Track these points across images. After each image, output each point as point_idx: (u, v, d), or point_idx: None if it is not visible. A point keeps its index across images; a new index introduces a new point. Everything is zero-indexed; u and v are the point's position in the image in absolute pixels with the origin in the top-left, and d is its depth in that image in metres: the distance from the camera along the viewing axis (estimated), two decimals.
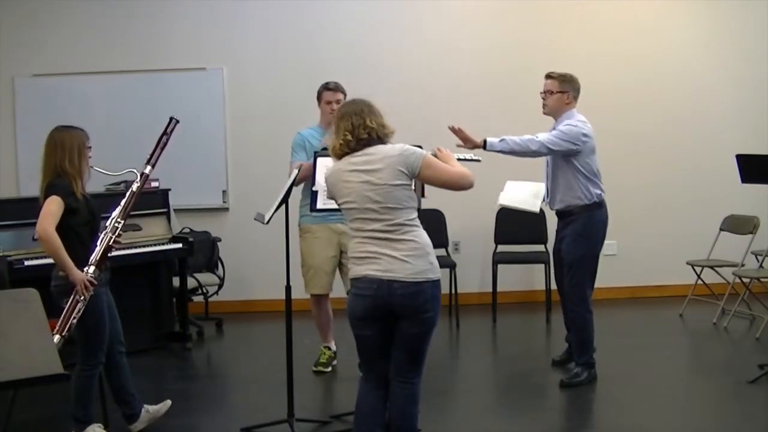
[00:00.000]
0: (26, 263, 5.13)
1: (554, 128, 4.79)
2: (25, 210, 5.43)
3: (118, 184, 5.76)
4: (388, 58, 7.05)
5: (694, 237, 6.83)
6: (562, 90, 4.79)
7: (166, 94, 6.97)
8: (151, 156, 4.05)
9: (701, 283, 6.62)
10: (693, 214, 7.12)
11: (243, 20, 7.10)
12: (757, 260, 6.31)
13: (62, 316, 3.72)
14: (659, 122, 7.16)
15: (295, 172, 4.23)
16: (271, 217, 4.13)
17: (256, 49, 7.11)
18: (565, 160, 4.73)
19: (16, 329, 3.08)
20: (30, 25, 7.05)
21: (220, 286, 6.62)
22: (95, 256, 3.82)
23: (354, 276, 3.29)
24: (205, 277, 6.46)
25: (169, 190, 6.10)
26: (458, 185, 3.33)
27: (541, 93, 4.86)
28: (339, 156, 3.30)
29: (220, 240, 6.68)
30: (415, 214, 3.29)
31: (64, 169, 3.83)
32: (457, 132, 4.69)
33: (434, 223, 6.76)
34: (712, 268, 6.51)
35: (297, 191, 4.60)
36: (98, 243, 3.86)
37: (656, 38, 7.19)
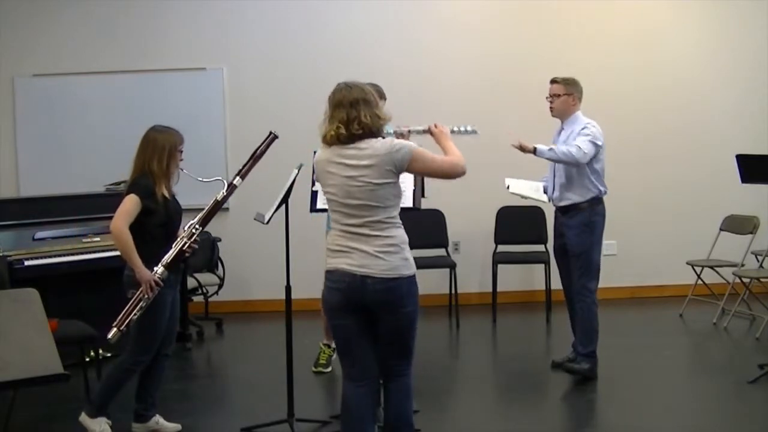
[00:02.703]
0: (26, 263, 5.13)
1: (563, 128, 4.96)
2: (25, 210, 5.45)
3: (118, 183, 5.77)
4: (388, 57, 7.04)
5: (694, 237, 6.84)
6: (568, 92, 4.94)
7: (166, 94, 6.98)
8: (243, 167, 4.06)
9: (701, 283, 6.62)
10: (693, 214, 7.12)
11: (243, 20, 7.10)
12: (757, 260, 6.31)
13: (124, 310, 3.78)
14: (659, 123, 7.17)
15: (295, 171, 4.22)
16: (271, 217, 4.13)
17: (256, 49, 7.11)
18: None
19: (16, 329, 3.08)
20: (30, 25, 7.05)
21: (220, 286, 6.62)
22: (167, 258, 3.86)
23: (328, 268, 3.25)
24: (205, 277, 6.46)
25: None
26: (448, 175, 3.28)
27: (547, 97, 4.99)
28: (329, 144, 3.24)
29: (220, 240, 6.68)
30: (396, 212, 3.23)
31: (151, 169, 3.90)
32: (515, 143, 4.79)
33: (434, 223, 6.78)
34: (712, 268, 6.51)
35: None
36: (173, 246, 3.90)
37: (655, 39, 7.19)
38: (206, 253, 6.51)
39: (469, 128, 3.98)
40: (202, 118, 6.95)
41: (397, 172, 3.18)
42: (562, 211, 5.00)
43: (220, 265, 6.70)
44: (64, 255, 5.31)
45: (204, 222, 3.98)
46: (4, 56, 7.04)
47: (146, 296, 3.79)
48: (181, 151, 4.02)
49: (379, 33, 7.12)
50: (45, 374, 3.05)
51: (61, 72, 6.98)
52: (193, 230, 3.93)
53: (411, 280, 3.20)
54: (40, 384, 3.12)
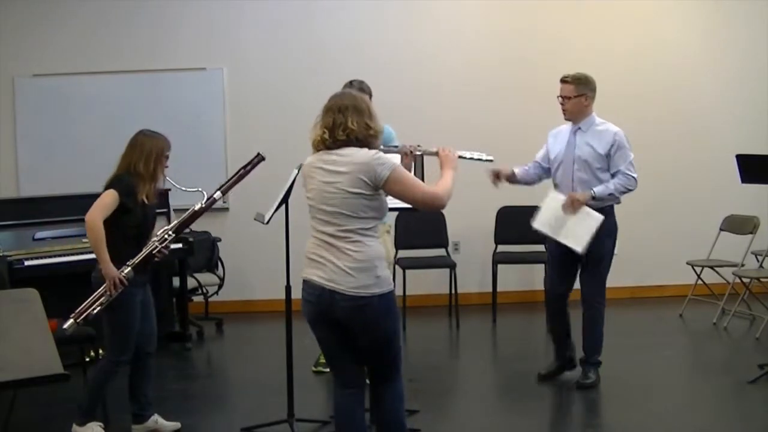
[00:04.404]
0: (26, 263, 5.13)
1: (579, 128, 4.74)
2: (25, 210, 5.45)
3: None
4: (388, 56, 7.05)
5: (694, 237, 6.83)
6: (579, 93, 4.71)
7: (166, 94, 6.98)
8: (225, 183, 4.06)
9: (701, 283, 6.62)
10: (693, 214, 7.12)
11: (243, 20, 7.10)
12: (757, 260, 6.31)
13: (84, 303, 3.76)
14: (659, 122, 7.16)
15: (295, 172, 4.22)
16: (271, 217, 4.13)
17: (256, 49, 7.11)
18: (607, 167, 4.71)
19: (16, 329, 3.07)
20: (30, 25, 7.05)
21: (220, 286, 6.62)
22: (136, 258, 3.85)
23: (303, 277, 3.19)
24: (205, 277, 6.47)
25: (169, 190, 6.09)
26: (427, 207, 3.20)
27: (558, 97, 4.77)
28: (316, 149, 3.20)
29: (220, 240, 6.68)
30: (371, 224, 3.10)
31: (138, 170, 3.90)
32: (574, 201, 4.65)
33: (434, 223, 6.78)
34: (712, 268, 6.51)
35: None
36: (144, 248, 3.89)
37: (654, 38, 7.19)
38: (206, 253, 6.51)
39: (484, 157, 3.93)
40: (202, 118, 6.96)
41: (373, 186, 3.06)
42: None
43: (220, 265, 6.71)
44: (64, 255, 5.31)
45: (178, 230, 3.98)
46: (4, 56, 7.04)
47: (109, 293, 3.76)
48: (167, 157, 4.01)
49: (379, 32, 7.12)
50: (45, 374, 3.05)
51: (61, 72, 6.97)
52: (166, 236, 3.92)
53: (385, 297, 3.10)
54: (40, 384, 3.11)
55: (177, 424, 4.24)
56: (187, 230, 6.38)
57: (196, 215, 4.02)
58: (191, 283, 6.28)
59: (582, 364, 4.89)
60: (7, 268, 5.04)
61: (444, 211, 6.76)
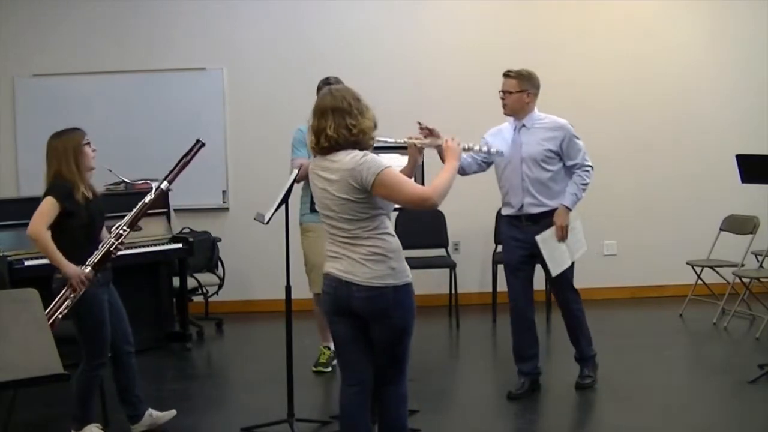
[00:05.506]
0: (26, 263, 5.14)
1: (524, 125, 4.57)
2: (25, 210, 5.40)
3: (118, 183, 5.78)
4: (388, 57, 7.06)
5: (694, 237, 6.83)
6: (521, 89, 4.53)
7: (166, 94, 6.98)
8: (170, 173, 4.07)
9: (701, 283, 6.61)
10: (693, 214, 7.12)
11: (243, 20, 7.10)
12: (757, 260, 6.31)
13: (49, 308, 3.72)
14: (658, 122, 7.17)
15: (295, 171, 4.23)
16: (271, 217, 4.13)
17: (256, 49, 7.11)
18: (557, 161, 4.56)
19: (16, 329, 3.07)
20: (30, 26, 7.06)
21: (220, 286, 6.62)
22: (93, 258, 3.83)
23: (323, 271, 3.25)
24: (205, 277, 6.47)
25: (170, 190, 6.10)
26: (415, 207, 3.16)
27: (499, 92, 4.59)
28: (314, 153, 3.21)
29: (220, 240, 6.68)
30: (375, 223, 3.11)
31: (63, 175, 3.86)
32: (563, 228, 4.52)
33: (434, 223, 6.78)
34: (712, 268, 6.51)
35: (297, 190, 4.60)
36: (100, 247, 3.87)
37: (655, 37, 7.19)
38: (206, 253, 6.51)
39: (493, 149, 3.86)
40: (202, 118, 6.95)
41: (363, 189, 3.04)
42: (532, 220, 4.56)
43: (220, 265, 6.71)
44: None
45: (131, 224, 3.97)
46: (4, 56, 7.05)
47: (72, 294, 3.74)
48: (89, 144, 3.97)
49: (379, 32, 7.13)
50: (45, 374, 3.05)
51: (61, 72, 6.98)
52: (121, 231, 3.91)
53: (400, 289, 3.12)
54: (40, 384, 3.12)
55: (172, 412, 4.25)
56: (187, 230, 6.46)
57: (146, 207, 4.02)
58: (191, 283, 6.29)
59: (578, 362, 4.88)
60: (7, 268, 5.06)
61: (444, 211, 6.79)
